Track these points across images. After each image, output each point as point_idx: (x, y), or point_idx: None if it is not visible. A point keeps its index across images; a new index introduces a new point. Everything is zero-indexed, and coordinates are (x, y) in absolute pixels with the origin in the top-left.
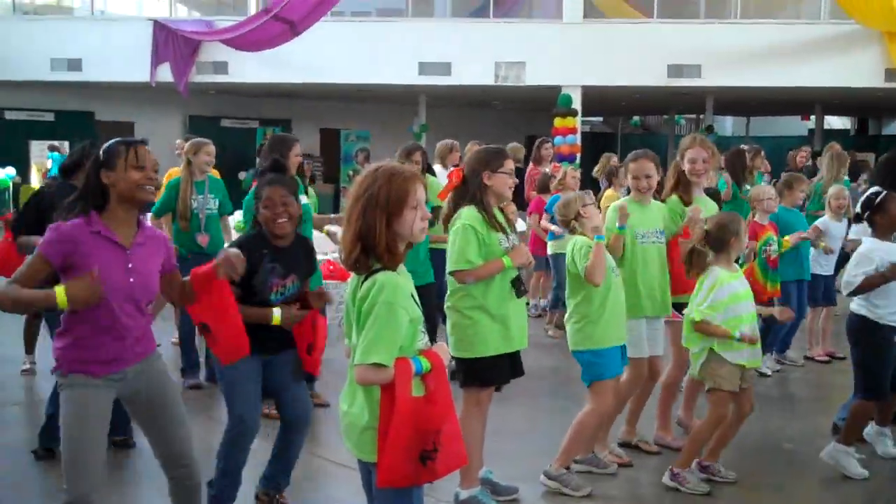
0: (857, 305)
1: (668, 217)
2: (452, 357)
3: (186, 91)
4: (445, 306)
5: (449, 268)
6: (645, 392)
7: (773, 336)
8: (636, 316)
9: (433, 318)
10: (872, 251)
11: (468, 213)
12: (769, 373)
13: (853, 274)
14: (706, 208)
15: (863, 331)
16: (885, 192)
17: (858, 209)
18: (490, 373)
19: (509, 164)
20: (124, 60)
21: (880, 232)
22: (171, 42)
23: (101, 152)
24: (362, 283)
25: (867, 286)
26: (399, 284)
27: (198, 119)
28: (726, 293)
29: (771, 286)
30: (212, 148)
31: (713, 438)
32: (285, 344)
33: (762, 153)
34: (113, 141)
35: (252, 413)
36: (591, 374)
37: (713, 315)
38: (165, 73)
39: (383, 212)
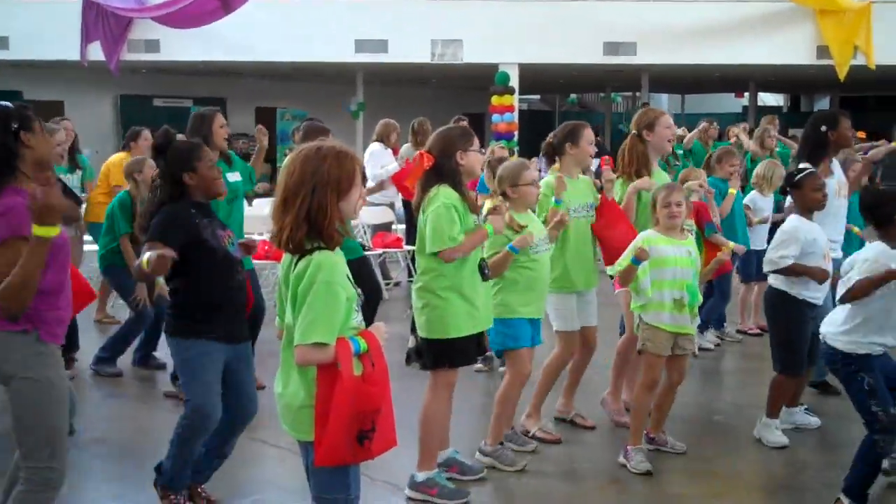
0: (775, 281)
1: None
2: (422, 338)
3: (118, 70)
4: (415, 287)
5: (431, 248)
6: (582, 364)
7: (708, 310)
8: (568, 290)
9: (378, 289)
10: (798, 230)
11: (446, 192)
12: (711, 347)
13: (779, 255)
14: (661, 181)
15: (781, 306)
16: (806, 171)
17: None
18: (460, 354)
19: (476, 142)
20: (53, 38)
21: (801, 209)
22: (101, 20)
23: (11, 115)
24: (296, 262)
25: (800, 272)
26: (336, 263)
27: (129, 98)
28: (652, 254)
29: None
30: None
31: (653, 409)
32: (248, 332)
33: (714, 124)
34: (14, 105)
35: (215, 403)
36: (499, 343)
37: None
38: (97, 52)
39: (334, 191)
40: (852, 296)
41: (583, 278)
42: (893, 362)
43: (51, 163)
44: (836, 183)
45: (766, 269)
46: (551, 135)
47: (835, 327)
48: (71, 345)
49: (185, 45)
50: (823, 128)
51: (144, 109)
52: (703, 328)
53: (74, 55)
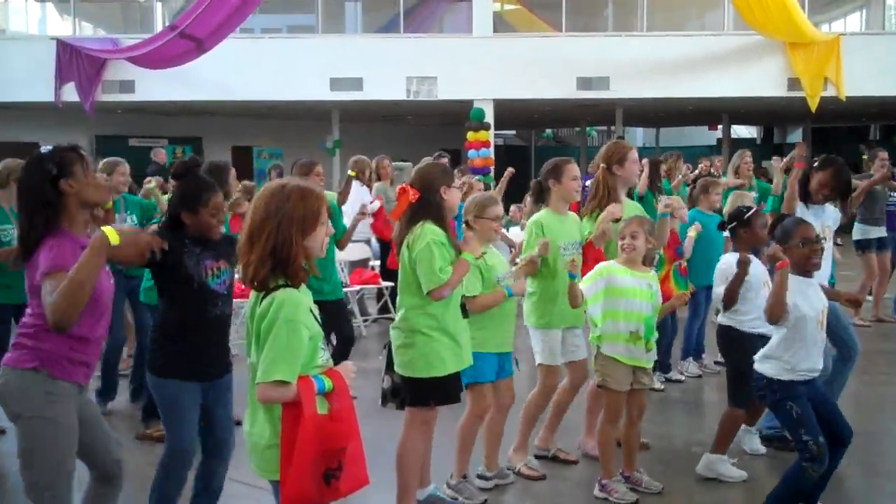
0: (722, 317)
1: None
2: (403, 377)
3: (93, 110)
4: (396, 325)
5: (427, 287)
6: (566, 400)
7: (689, 341)
8: (555, 326)
9: (349, 332)
10: (733, 266)
11: (432, 230)
12: (683, 378)
13: (715, 293)
14: (630, 210)
15: (730, 341)
16: (754, 209)
17: (724, 218)
18: (444, 392)
19: (456, 180)
20: (27, 80)
21: (742, 245)
22: (75, 61)
23: (46, 159)
24: (261, 300)
25: (729, 295)
26: (300, 301)
27: (105, 138)
28: (608, 283)
29: (681, 291)
30: (125, 167)
31: (622, 447)
32: (225, 366)
33: (681, 159)
34: (53, 149)
35: (193, 442)
36: (464, 377)
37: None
38: (71, 93)
39: (299, 229)
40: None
41: (570, 315)
42: (822, 392)
43: (100, 203)
44: (821, 227)
45: (716, 307)
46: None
47: (760, 353)
48: None
49: (159, 86)
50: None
51: (120, 149)
52: (663, 367)
53: (49, 96)
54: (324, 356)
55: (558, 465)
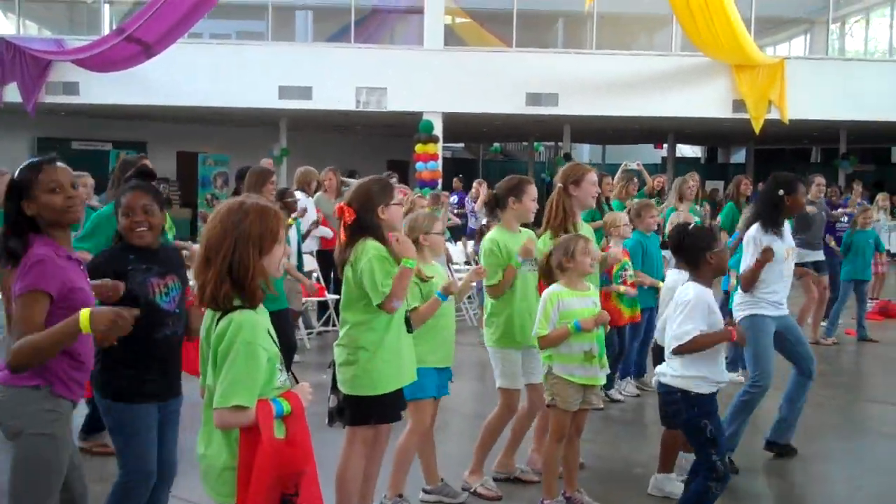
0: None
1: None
2: (346, 395)
3: (34, 111)
4: (340, 343)
5: (376, 301)
6: (525, 423)
7: (627, 361)
8: (513, 346)
9: (292, 343)
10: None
11: (374, 245)
12: (622, 398)
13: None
14: (585, 233)
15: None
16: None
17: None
18: (387, 410)
19: (398, 195)
20: None
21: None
22: (18, 61)
23: (14, 181)
24: (217, 321)
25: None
26: (257, 322)
27: (47, 141)
28: (561, 308)
29: (629, 311)
30: (88, 180)
31: (562, 467)
32: (178, 388)
33: (635, 180)
34: (24, 166)
35: (153, 464)
36: (405, 393)
37: (545, 327)
38: (15, 93)
39: (256, 248)
40: (689, 349)
41: (528, 333)
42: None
43: (62, 223)
44: (785, 248)
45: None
46: (496, 187)
47: (672, 369)
48: None
49: (104, 88)
50: (781, 192)
51: (63, 152)
52: (640, 373)
53: None
54: (281, 377)
55: (519, 486)
